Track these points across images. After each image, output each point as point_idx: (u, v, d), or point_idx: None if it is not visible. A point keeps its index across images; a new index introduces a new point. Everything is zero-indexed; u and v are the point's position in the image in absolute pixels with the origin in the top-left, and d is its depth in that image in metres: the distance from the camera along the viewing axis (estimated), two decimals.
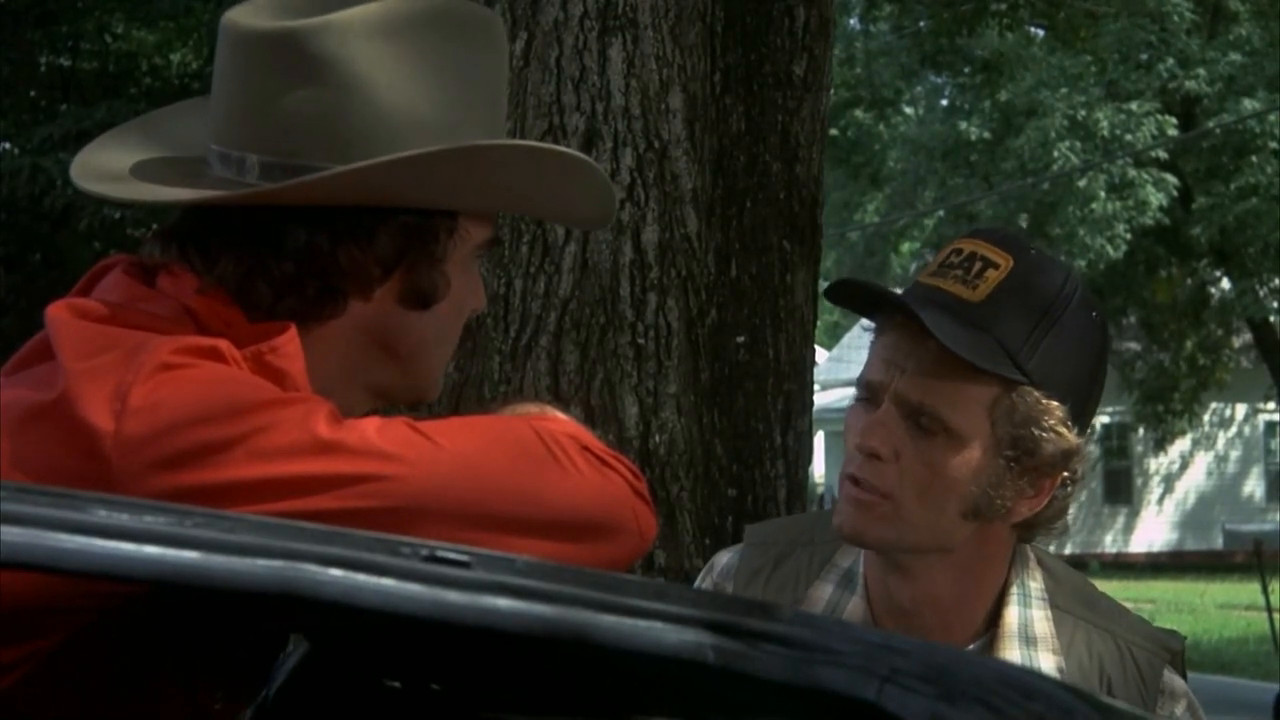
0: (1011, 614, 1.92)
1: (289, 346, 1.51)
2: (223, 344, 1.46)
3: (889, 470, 1.84)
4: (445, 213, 1.59)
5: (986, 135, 26.30)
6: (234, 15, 1.59)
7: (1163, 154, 25.39)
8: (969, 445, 1.83)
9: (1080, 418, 1.87)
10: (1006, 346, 1.82)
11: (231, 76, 1.58)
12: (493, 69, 1.63)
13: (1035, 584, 1.94)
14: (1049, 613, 1.93)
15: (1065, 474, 1.88)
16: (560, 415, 1.57)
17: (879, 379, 1.86)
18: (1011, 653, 1.90)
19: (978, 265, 1.85)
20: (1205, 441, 33.25)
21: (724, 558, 2.08)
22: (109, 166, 1.64)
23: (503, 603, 1.12)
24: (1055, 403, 1.84)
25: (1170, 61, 25.17)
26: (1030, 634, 1.92)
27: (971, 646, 1.92)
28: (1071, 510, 1.96)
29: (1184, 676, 1.95)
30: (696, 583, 2.11)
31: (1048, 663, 1.90)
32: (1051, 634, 1.92)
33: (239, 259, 1.53)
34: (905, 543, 1.86)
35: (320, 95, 1.53)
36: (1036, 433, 1.83)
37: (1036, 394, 1.83)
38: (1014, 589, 1.93)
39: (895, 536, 1.86)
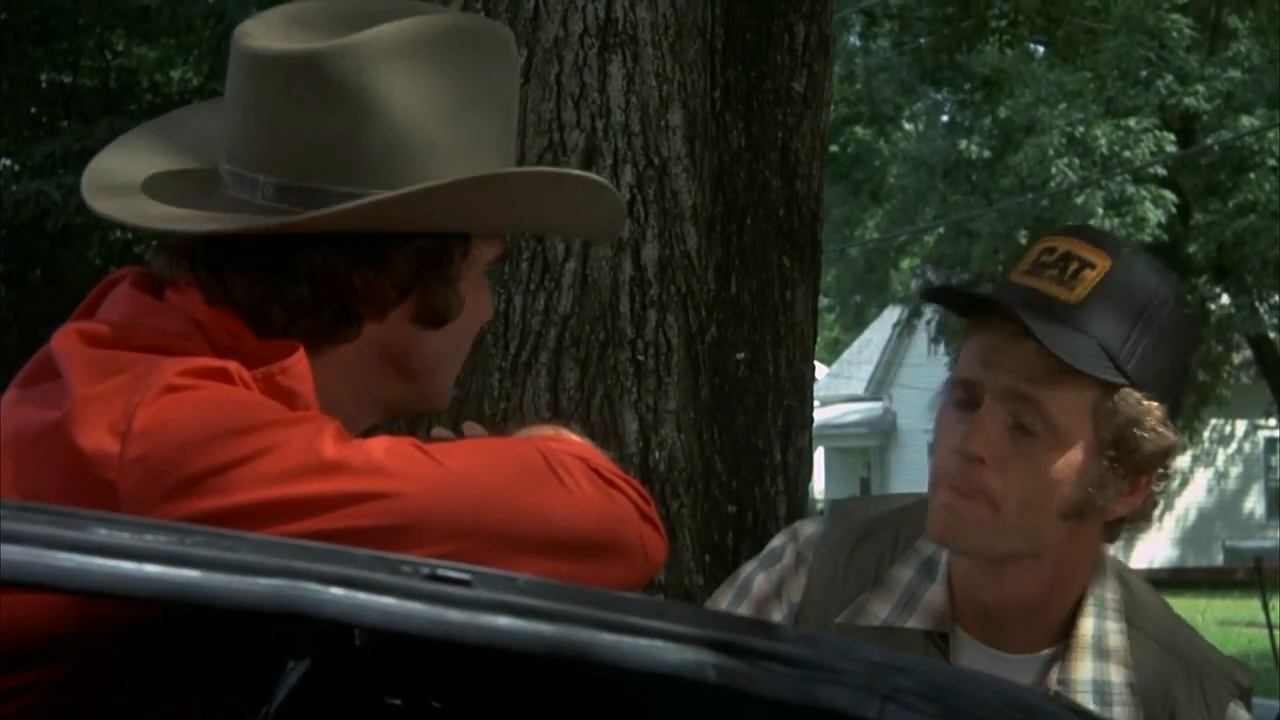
0: (1087, 625, 1.89)
1: (298, 367, 1.50)
2: (232, 365, 1.45)
3: (992, 475, 1.81)
4: (460, 235, 1.58)
5: (986, 154, 26.29)
6: (249, 34, 1.56)
7: (1161, 170, 25.38)
8: (1072, 445, 1.81)
9: (1175, 413, 1.86)
10: (1107, 348, 1.80)
11: (246, 97, 1.56)
12: (506, 86, 1.63)
13: (1112, 595, 1.92)
14: (1123, 626, 1.90)
15: (1160, 469, 1.86)
16: (574, 437, 1.57)
17: (976, 377, 1.82)
18: (1084, 664, 1.87)
19: (1074, 265, 1.82)
20: (1205, 458, 33.19)
21: (808, 528, 2.04)
22: (121, 177, 1.62)
23: (504, 621, 1.12)
24: (1155, 404, 1.83)
25: (1169, 78, 25.17)
26: (1104, 646, 1.89)
27: (1045, 653, 1.90)
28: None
29: (1249, 711, 1.91)
30: (774, 545, 2.05)
31: (1119, 676, 1.88)
32: (1125, 647, 1.89)
33: (252, 283, 1.52)
34: (997, 550, 1.84)
35: (336, 120, 1.52)
36: (1138, 433, 1.82)
37: (1137, 395, 1.81)
38: (1090, 598, 1.90)
39: (988, 545, 1.83)
